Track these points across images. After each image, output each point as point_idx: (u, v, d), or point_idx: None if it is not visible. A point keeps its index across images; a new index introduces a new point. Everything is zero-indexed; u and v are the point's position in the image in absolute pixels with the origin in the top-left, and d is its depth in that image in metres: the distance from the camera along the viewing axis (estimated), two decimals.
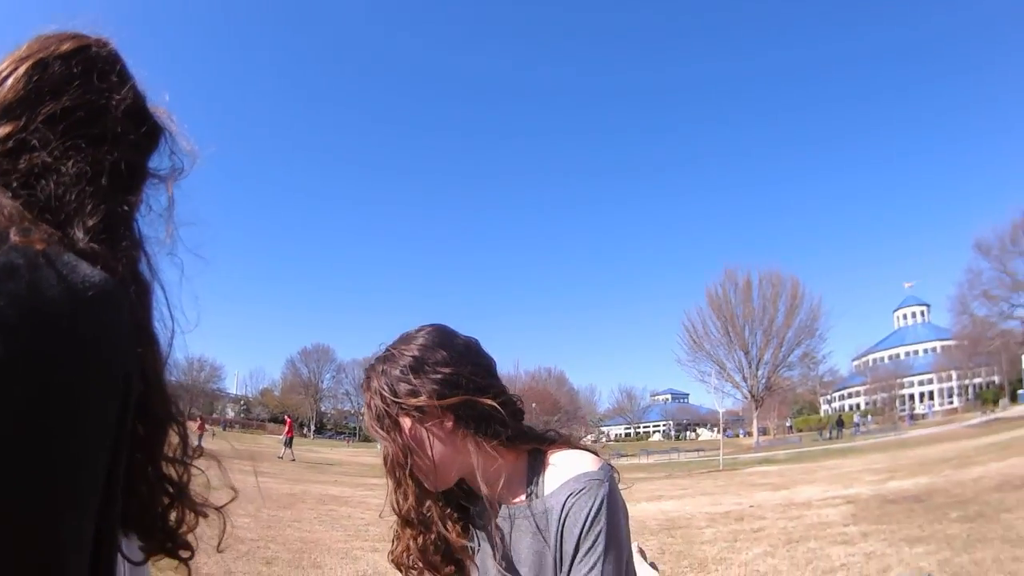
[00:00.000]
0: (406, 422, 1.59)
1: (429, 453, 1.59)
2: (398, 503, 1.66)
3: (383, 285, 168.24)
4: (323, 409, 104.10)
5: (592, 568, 1.53)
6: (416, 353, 1.61)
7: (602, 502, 1.55)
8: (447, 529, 1.69)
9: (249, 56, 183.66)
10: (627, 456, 52.73)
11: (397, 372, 1.59)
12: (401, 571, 1.74)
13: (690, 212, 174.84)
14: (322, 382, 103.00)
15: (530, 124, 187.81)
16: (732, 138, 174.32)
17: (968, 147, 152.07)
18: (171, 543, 0.87)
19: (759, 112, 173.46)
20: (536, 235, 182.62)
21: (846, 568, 6.14)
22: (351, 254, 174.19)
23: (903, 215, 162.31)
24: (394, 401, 1.58)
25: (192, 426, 0.96)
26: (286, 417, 51.20)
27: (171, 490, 0.86)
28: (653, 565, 2.60)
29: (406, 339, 1.66)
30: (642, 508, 12.97)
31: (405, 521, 1.67)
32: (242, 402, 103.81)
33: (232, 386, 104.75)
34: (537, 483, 1.66)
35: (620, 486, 1.66)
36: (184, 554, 0.88)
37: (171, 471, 0.86)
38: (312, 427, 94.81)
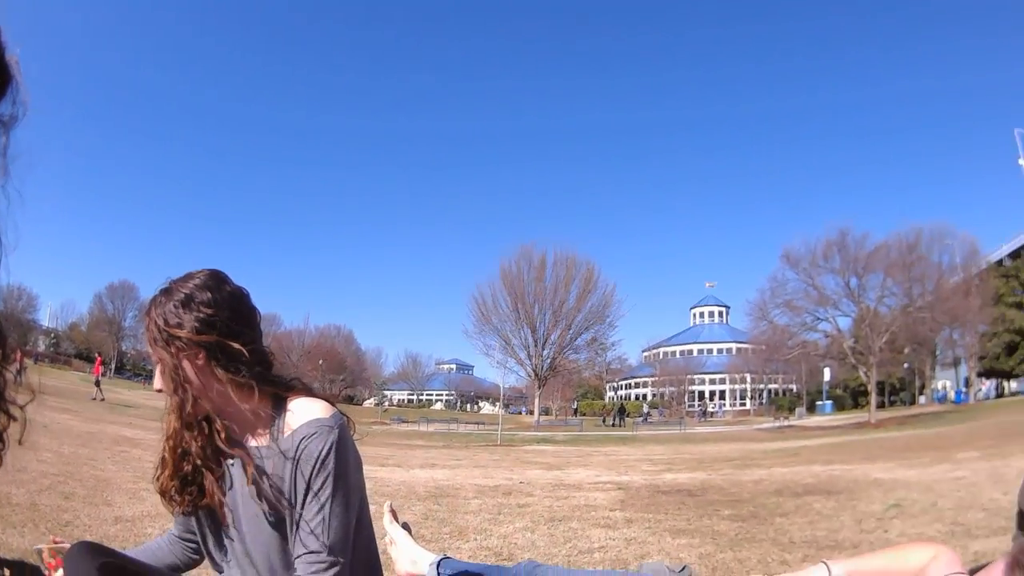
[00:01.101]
0: (172, 349, 1.97)
1: (187, 380, 1.98)
2: (181, 408, 2.02)
3: (191, 224, 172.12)
4: (124, 348, 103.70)
5: (321, 508, 1.94)
6: (188, 291, 2.00)
7: (331, 447, 1.96)
8: (220, 436, 2.04)
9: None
10: (408, 422, 54.64)
11: (170, 305, 1.99)
12: (164, 500, 2.14)
13: (492, 186, 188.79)
14: (125, 320, 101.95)
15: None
16: (544, 118, 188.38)
17: (778, 160, 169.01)
18: None
19: (563, 99, 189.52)
20: (334, 192, 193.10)
21: (603, 550, 6.12)
22: (163, 189, 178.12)
23: (709, 216, 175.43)
24: (164, 329, 1.97)
25: None
26: (97, 355, 50.43)
27: None
28: (406, 526, 2.82)
29: (186, 277, 2.06)
30: (414, 475, 13.49)
31: (187, 423, 2.03)
32: (53, 335, 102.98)
33: (45, 318, 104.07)
34: (277, 426, 2.05)
35: (354, 436, 2.14)
36: None
37: None
38: (113, 366, 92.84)
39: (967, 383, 70.08)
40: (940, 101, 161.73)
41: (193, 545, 2.34)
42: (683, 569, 2.64)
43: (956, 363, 73.46)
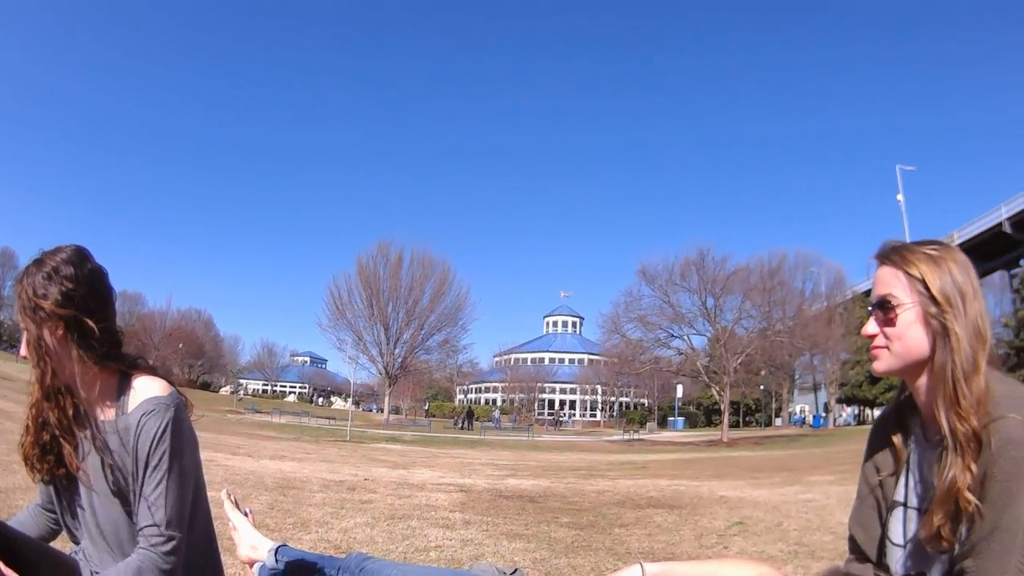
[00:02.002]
0: (37, 319, 2.10)
1: (47, 351, 2.12)
2: (42, 379, 2.16)
3: (71, 193, 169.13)
4: (1, 318, 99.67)
5: (159, 483, 2.08)
6: (55, 264, 2.13)
7: (167, 424, 2.11)
8: (72, 409, 2.20)
9: None
10: (261, 413, 56.53)
11: (39, 276, 2.11)
12: (26, 466, 2.28)
13: (356, 181, 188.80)
14: (4, 289, 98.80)
15: None
16: (410, 128, 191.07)
17: (642, 177, 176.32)
18: None
19: (429, 112, 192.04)
20: (204, 170, 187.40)
21: (439, 549, 6.31)
22: (48, 154, 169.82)
23: (566, 226, 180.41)
24: (31, 299, 2.10)
25: None
26: None
27: None
28: (247, 513, 2.94)
29: (54, 251, 2.18)
30: (263, 465, 14.03)
31: (46, 394, 2.18)
32: None
33: None
34: (122, 403, 2.19)
35: (192, 416, 2.30)
36: None
37: None
38: None
39: (826, 408, 73.24)
40: (821, 135, 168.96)
41: (54, 516, 2.44)
42: (514, 572, 2.69)
43: (816, 388, 76.53)
